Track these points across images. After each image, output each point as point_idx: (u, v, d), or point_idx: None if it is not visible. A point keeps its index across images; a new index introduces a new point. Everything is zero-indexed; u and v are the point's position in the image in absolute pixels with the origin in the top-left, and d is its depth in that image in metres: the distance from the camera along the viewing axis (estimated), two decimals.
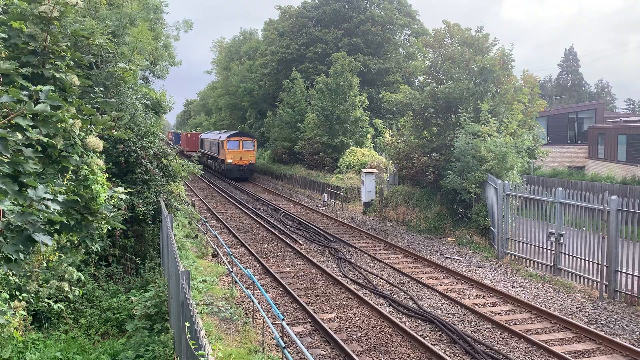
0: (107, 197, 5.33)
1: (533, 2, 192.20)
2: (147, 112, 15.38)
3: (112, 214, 5.10)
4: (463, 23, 23.27)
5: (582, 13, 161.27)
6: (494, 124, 20.27)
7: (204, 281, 13.24)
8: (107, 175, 8.29)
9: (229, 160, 42.35)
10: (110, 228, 5.90)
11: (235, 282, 12.97)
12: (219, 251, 16.24)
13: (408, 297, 13.30)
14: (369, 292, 13.64)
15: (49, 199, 4.04)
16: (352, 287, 13.89)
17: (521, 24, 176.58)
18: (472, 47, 22.54)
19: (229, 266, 14.18)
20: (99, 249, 5.78)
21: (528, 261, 16.30)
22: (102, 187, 5.36)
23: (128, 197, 10.65)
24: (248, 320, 10.96)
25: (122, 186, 10.20)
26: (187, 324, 4.50)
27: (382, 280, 14.79)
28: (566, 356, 9.63)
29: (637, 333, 10.98)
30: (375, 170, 28.49)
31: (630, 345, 10.11)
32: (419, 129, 24.58)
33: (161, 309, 9.46)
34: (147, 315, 9.47)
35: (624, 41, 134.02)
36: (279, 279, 14.36)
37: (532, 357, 9.77)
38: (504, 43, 42.41)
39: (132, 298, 10.88)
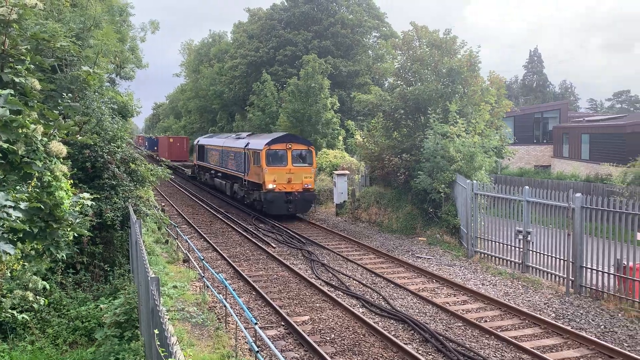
0: (72, 203, 5.21)
1: (499, 6, 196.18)
2: (114, 116, 15.10)
3: (78, 220, 4.98)
4: (431, 26, 23.63)
5: (546, 16, 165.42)
6: (463, 125, 20.59)
7: (175, 287, 13.06)
8: (72, 181, 8.11)
9: (270, 185, 24.50)
10: (77, 235, 5.76)
11: (207, 287, 12.85)
12: (190, 256, 16.04)
13: (381, 297, 13.38)
14: (342, 294, 13.68)
15: (10, 207, 3.93)
16: (325, 288, 13.90)
17: (487, 27, 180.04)
18: (440, 49, 22.86)
19: (201, 271, 14.02)
20: (65, 257, 5.65)
21: (497, 259, 16.60)
22: (67, 193, 5.23)
23: (95, 203, 10.43)
24: (220, 325, 10.86)
25: (88, 192, 9.99)
26: (156, 331, 4.43)
27: (355, 281, 14.84)
28: (535, 351, 9.83)
29: (602, 327, 11.29)
30: (347, 171, 28.59)
31: (595, 339, 10.39)
32: (389, 130, 24.80)
33: (131, 316, 9.29)
34: (117, 323, 9.30)
35: (586, 43, 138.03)
36: (252, 282, 14.28)
37: (503, 354, 9.94)
38: (471, 45, 43.12)
39: (101, 306, 10.65)
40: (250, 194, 27.44)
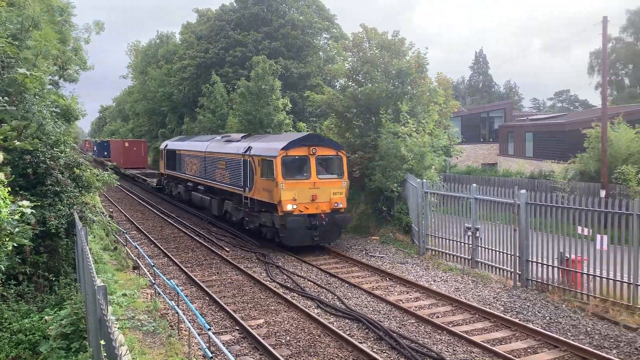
0: (10, 211, 4.97)
1: (445, 9, 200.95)
2: (57, 120, 14.51)
3: (17, 229, 4.77)
4: (380, 28, 23.91)
5: (490, 18, 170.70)
6: (413, 125, 20.99)
7: (125, 295, 12.68)
8: (11, 188, 7.74)
9: (289, 206, 17.97)
10: (17, 244, 5.51)
11: (159, 294, 12.55)
12: (140, 263, 15.62)
13: (335, 297, 13.44)
14: (297, 295, 13.65)
15: None
16: (280, 291, 13.85)
17: (434, 29, 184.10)
18: (389, 51, 23.23)
19: (152, 278, 13.68)
20: (4, 268, 5.39)
21: (448, 255, 16.98)
22: (4, 201, 4.99)
23: (37, 210, 9.99)
24: (173, 333, 10.63)
25: (30, 199, 9.55)
26: (102, 342, 4.28)
27: (310, 282, 14.85)
28: (485, 345, 10.11)
29: (548, 318, 11.74)
30: None
31: (541, 330, 10.80)
32: (342, 130, 24.99)
33: (78, 327, 8.96)
34: (63, 335, 8.94)
35: (528, 45, 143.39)
36: (205, 288, 14.05)
37: (454, 348, 10.17)
38: (419, 47, 44.02)
39: (46, 317, 10.20)
40: (255, 217, 20.17)
